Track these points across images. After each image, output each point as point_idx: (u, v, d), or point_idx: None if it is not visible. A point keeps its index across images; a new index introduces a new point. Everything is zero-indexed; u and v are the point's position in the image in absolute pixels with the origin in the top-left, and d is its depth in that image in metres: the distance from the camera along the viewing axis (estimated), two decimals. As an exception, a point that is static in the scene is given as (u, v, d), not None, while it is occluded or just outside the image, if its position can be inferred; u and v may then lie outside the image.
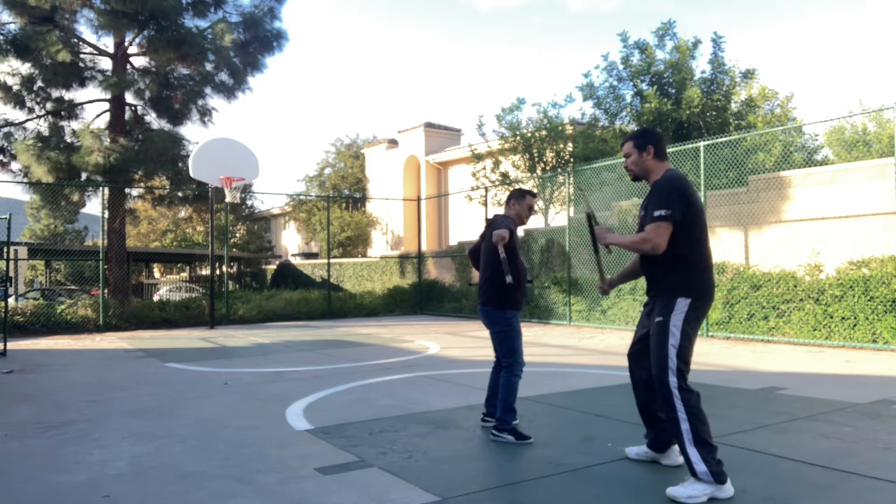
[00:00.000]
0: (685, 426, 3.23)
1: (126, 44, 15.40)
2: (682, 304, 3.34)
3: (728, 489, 3.20)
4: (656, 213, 3.33)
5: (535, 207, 4.74)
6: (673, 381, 3.28)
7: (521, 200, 4.64)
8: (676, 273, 3.40)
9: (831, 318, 9.04)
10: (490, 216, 4.84)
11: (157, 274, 41.26)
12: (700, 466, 3.18)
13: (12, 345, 10.69)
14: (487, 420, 4.76)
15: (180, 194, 17.17)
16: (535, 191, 17.57)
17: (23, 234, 45.95)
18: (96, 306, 13.93)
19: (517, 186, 17.71)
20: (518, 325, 4.53)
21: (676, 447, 3.55)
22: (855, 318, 8.79)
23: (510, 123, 18.25)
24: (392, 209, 28.03)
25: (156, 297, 25.48)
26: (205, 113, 16.72)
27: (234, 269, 30.72)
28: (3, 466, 4.00)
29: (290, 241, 37.94)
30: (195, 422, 5.10)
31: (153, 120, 16.48)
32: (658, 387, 3.36)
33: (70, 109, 16.01)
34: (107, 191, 14.70)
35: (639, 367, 3.71)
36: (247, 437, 4.58)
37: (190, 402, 5.93)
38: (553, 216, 17.91)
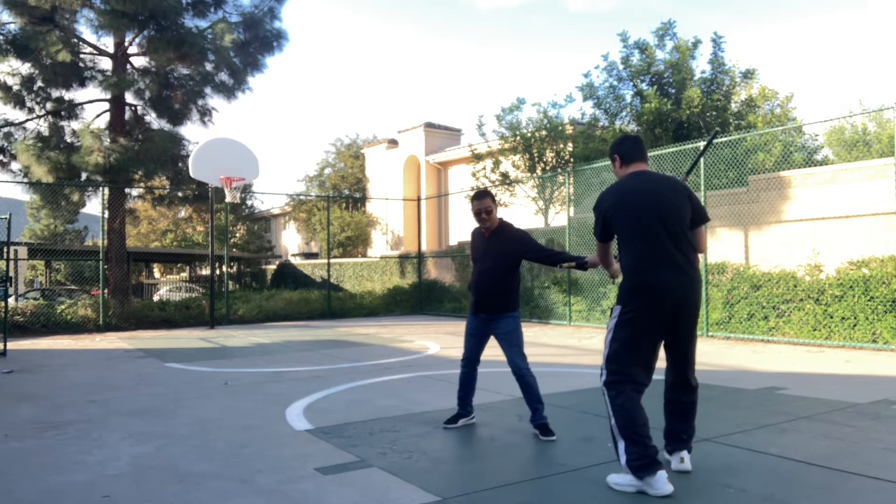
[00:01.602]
0: (612, 421, 3.42)
1: (126, 44, 15.40)
2: (616, 311, 3.51)
3: (658, 486, 3.24)
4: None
5: (485, 209, 4.63)
6: (602, 378, 3.50)
7: (472, 207, 4.75)
8: (622, 281, 3.58)
9: (831, 318, 9.04)
10: None
11: (157, 274, 41.27)
12: (622, 458, 3.37)
13: (12, 345, 10.69)
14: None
15: (180, 194, 17.17)
16: (534, 192, 17.57)
17: (23, 234, 45.94)
18: (96, 306, 13.92)
19: (521, 190, 17.75)
20: (468, 323, 4.79)
21: (682, 454, 3.65)
22: (855, 318, 8.79)
23: (510, 123, 18.25)
24: (392, 209, 28.02)
25: (156, 297, 25.49)
26: (205, 113, 16.71)
27: (234, 269, 30.71)
28: (3, 466, 4.00)
29: (290, 241, 37.94)
30: (195, 422, 5.10)
31: (153, 120, 16.48)
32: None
33: (70, 109, 16.01)
34: (107, 191, 14.71)
35: (667, 385, 3.78)
36: (247, 437, 4.58)
37: (190, 402, 5.93)
38: (553, 216, 17.91)
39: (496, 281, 4.58)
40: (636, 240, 3.46)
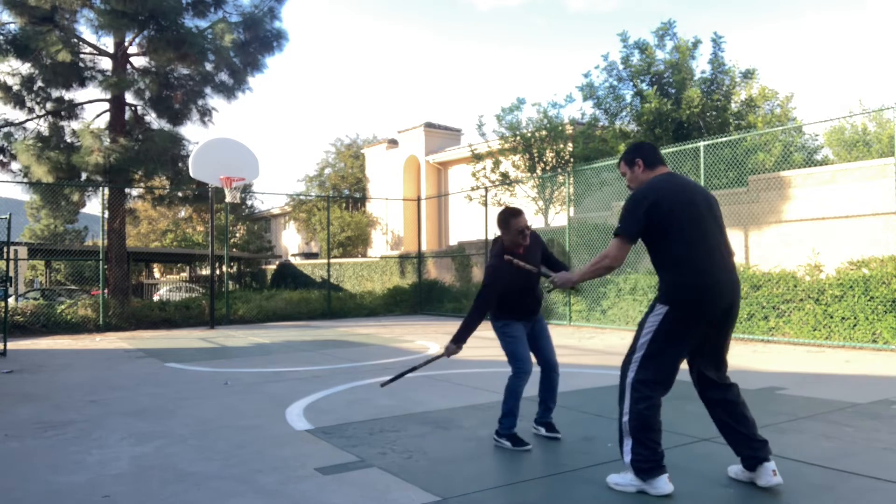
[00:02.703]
0: (625, 419, 3.33)
1: (126, 44, 15.39)
2: (661, 309, 3.32)
3: (659, 485, 3.22)
4: (616, 228, 3.42)
5: (526, 225, 4.33)
6: (631, 375, 3.36)
7: (507, 229, 4.32)
8: (663, 279, 3.39)
9: (831, 318, 9.04)
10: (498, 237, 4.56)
11: (157, 274, 41.27)
12: (627, 457, 3.31)
13: (12, 345, 10.69)
14: (537, 428, 4.61)
15: (180, 194, 17.16)
16: (534, 192, 17.58)
17: (23, 234, 45.94)
18: (96, 306, 13.92)
19: (521, 190, 17.73)
20: (511, 330, 4.41)
21: (767, 465, 3.33)
22: (855, 318, 8.79)
23: (510, 123, 18.24)
24: (392, 209, 28.02)
25: (156, 297, 25.49)
26: (205, 113, 16.71)
27: (234, 269, 30.71)
28: (3, 466, 4.00)
29: (290, 241, 37.94)
30: (195, 422, 5.10)
31: (153, 120, 16.48)
32: (620, 379, 3.44)
33: (70, 109, 16.00)
34: (107, 191, 14.70)
35: (707, 388, 3.49)
36: (247, 437, 4.58)
37: (190, 402, 5.93)
38: (553, 216, 17.91)
39: (535, 286, 4.47)
40: (696, 237, 3.30)
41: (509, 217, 4.32)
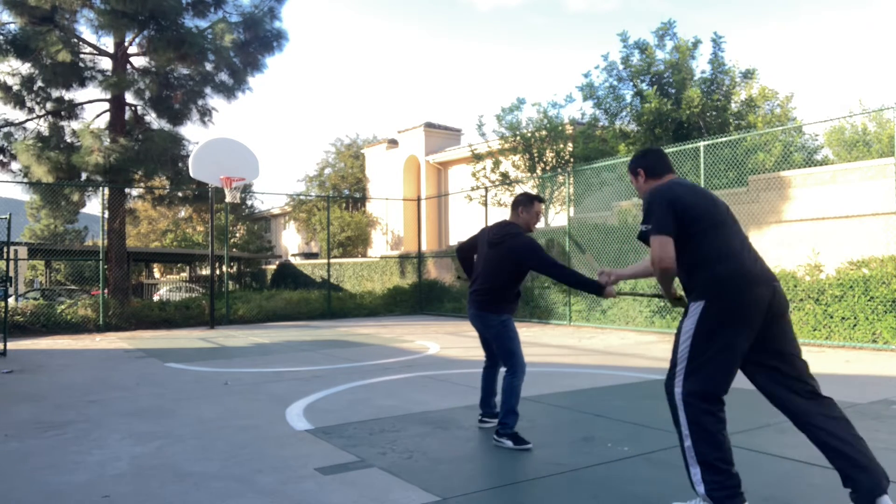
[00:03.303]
0: (687, 443, 2.90)
1: (126, 44, 15.40)
2: (697, 307, 2.96)
3: None
4: (643, 229, 3.07)
5: (540, 211, 4.62)
6: (678, 390, 2.94)
7: (528, 207, 4.51)
8: (695, 279, 3.04)
9: (831, 318, 9.04)
10: (500, 221, 4.61)
11: (157, 274, 41.26)
12: (700, 487, 2.86)
13: (12, 345, 10.69)
14: (485, 421, 4.76)
15: (180, 194, 17.17)
16: (539, 193, 17.59)
17: (23, 234, 45.96)
18: (96, 306, 13.92)
19: (521, 190, 17.75)
20: (513, 326, 4.48)
21: (884, 497, 2.77)
22: (855, 318, 8.79)
23: (510, 123, 18.26)
24: (392, 209, 28.02)
25: (156, 297, 25.48)
26: (205, 113, 16.72)
27: (234, 269, 30.71)
28: (3, 466, 4.00)
29: (290, 241, 37.94)
30: (195, 422, 5.10)
31: (153, 120, 16.48)
32: (668, 398, 3.03)
33: (70, 109, 16.00)
34: (107, 191, 14.70)
35: (789, 394, 3.00)
36: (247, 437, 4.58)
37: (190, 402, 5.93)
38: (553, 216, 17.91)
39: None
40: (724, 234, 3.02)
41: (534, 199, 4.54)
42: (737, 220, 3.24)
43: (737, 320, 2.88)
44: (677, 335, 3.03)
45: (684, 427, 2.90)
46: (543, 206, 4.48)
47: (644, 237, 3.06)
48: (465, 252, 4.90)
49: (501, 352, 4.44)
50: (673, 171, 3.37)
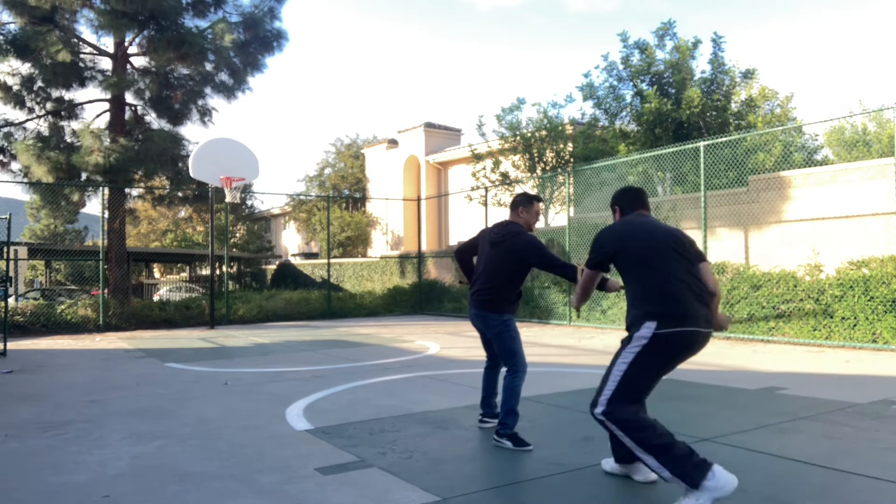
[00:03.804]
0: (627, 441, 3.11)
1: (126, 44, 15.40)
2: (645, 331, 3.18)
3: (722, 483, 2.92)
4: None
5: (539, 210, 4.67)
6: (598, 410, 3.21)
7: (528, 207, 4.54)
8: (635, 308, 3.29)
9: (831, 318, 9.04)
10: (501, 221, 4.61)
11: (157, 274, 41.26)
12: (664, 472, 3.01)
13: (12, 345, 10.69)
14: (485, 421, 4.76)
15: (180, 194, 17.17)
16: (539, 193, 17.59)
17: (23, 234, 45.97)
18: (96, 306, 13.92)
19: (521, 190, 17.76)
20: (515, 326, 4.48)
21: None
22: (855, 318, 8.79)
23: (510, 123, 18.25)
24: (392, 209, 28.03)
25: (156, 297, 25.48)
26: (205, 113, 16.71)
27: (234, 269, 30.72)
28: (3, 466, 4.00)
29: (290, 241, 37.94)
30: (195, 422, 5.10)
31: (153, 120, 16.48)
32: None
33: (70, 109, 16.00)
34: (107, 191, 14.70)
35: None
36: (247, 437, 4.58)
37: (190, 402, 5.93)
38: (553, 216, 17.91)
39: None
40: (653, 266, 3.25)
41: (532, 198, 4.58)
42: (688, 253, 3.35)
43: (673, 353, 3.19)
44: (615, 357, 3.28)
45: (615, 429, 3.16)
46: (542, 206, 4.48)
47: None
48: (463, 254, 4.91)
49: (503, 352, 4.43)
50: (647, 207, 3.63)
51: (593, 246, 3.47)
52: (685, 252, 3.32)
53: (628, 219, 3.53)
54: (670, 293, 3.17)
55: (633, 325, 3.24)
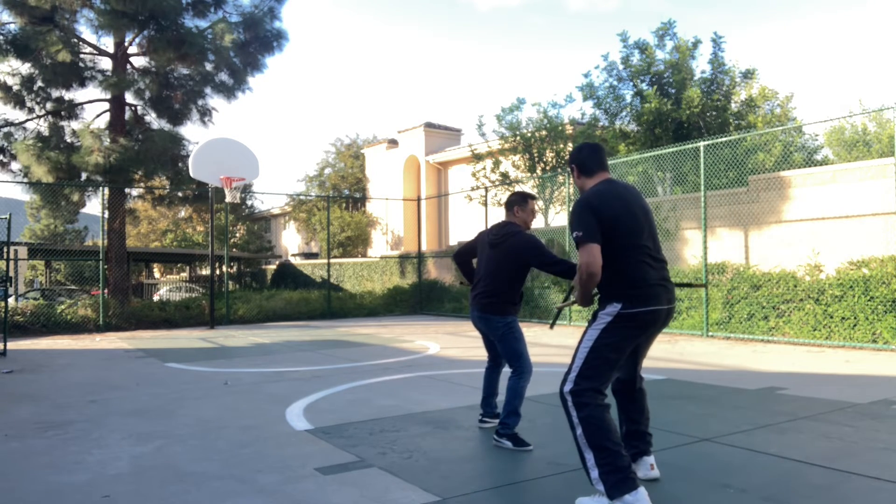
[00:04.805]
0: (577, 431, 3.09)
1: (126, 44, 15.40)
2: (609, 311, 3.19)
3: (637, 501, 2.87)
4: (574, 236, 3.19)
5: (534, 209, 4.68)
6: (568, 387, 3.17)
7: (523, 206, 4.54)
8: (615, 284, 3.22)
9: (831, 318, 9.04)
10: (499, 222, 4.62)
11: (157, 274, 41.27)
12: (594, 472, 3.00)
13: (12, 345, 10.69)
14: (486, 421, 4.76)
15: (180, 194, 17.17)
16: (534, 192, 17.60)
17: (23, 234, 45.96)
18: (96, 306, 13.92)
19: (515, 189, 17.75)
20: (519, 327, 4.48)
21: (647, 458, 3.49)
22: (855, 318, 8.79)
23: (510, 123, 18.25)
24: (392, 209, 28.03)
25: (156, 297, 25.48)
26: (205, 113, 16.71)
27: (234, 269, 30.72)
28: (3, 466, 4.00)
29: (290, 241, 37.94)
30: (195, 422, 5.10)
31: (153, 120, 16.48)
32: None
33: (70, 109, 16.00)
34: (107, 191, 14.70)
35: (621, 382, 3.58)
36: (247, 437, 4.58)
37: (190, 402, 5.93)
38: (553, 216, 17.91)
39: None
40: (634, 243, 3.21)
41: (527, 197, 4.58)
42: (653, 225, 3.37)
43: (637, 328, 3.20)
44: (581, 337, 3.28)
45: (573, 419, 3.13)
46: (537, 203, 4.48)
47: (577, 242, 3.20)
48: (461, 256, 4.92)
49: (508, 353, 4.42)
50: (606, 169, 3.48)
51: (583, 215, 3.17)
52: (650, 225, 3.34)
53: (601, 189, 3.31)
54: (639, 276, 3.18)
55: (599, 306, 3.28)
